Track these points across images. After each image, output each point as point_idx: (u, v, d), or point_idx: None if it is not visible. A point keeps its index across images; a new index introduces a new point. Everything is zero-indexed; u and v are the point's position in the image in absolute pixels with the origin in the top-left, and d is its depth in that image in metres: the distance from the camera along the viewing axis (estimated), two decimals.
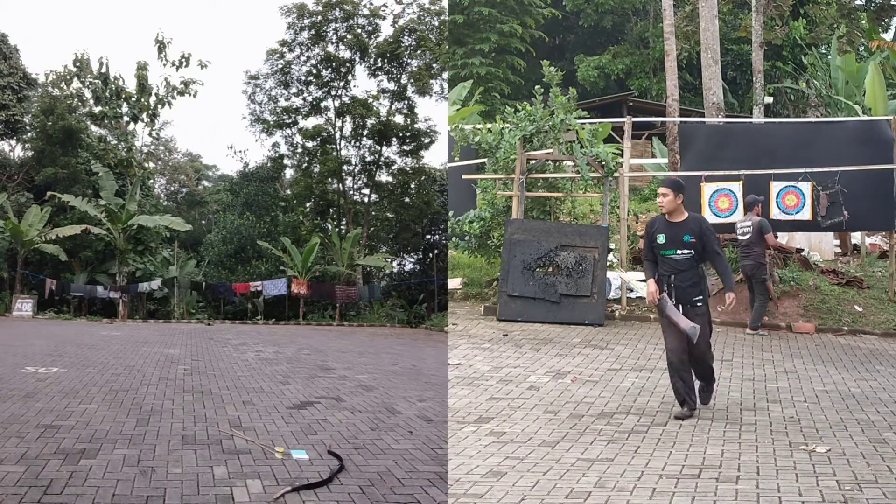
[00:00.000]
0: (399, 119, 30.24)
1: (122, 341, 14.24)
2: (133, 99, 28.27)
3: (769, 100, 23.93)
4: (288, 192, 32.99)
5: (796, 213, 12.04)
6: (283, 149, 31.42)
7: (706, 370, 6.74)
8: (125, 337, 15.48)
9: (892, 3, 29.91)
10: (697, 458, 5.31)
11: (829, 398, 7.27)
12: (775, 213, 12.06)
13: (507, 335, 10.17)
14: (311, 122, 30.84)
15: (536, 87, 13.43)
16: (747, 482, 4.78)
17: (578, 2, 33.76)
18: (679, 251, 6.50)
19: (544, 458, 5.30)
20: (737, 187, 12.14)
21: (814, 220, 12.10)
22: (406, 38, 28.97)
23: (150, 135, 30.72)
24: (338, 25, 29.24)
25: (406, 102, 30.17)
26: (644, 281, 12.69)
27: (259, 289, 25.35)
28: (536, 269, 11.45)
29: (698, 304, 6.54)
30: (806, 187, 12.01)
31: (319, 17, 28.87)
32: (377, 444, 5.76)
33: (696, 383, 6.72)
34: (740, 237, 11.37)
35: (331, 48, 29.55)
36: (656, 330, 11.19)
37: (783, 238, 13.75)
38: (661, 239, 6.56)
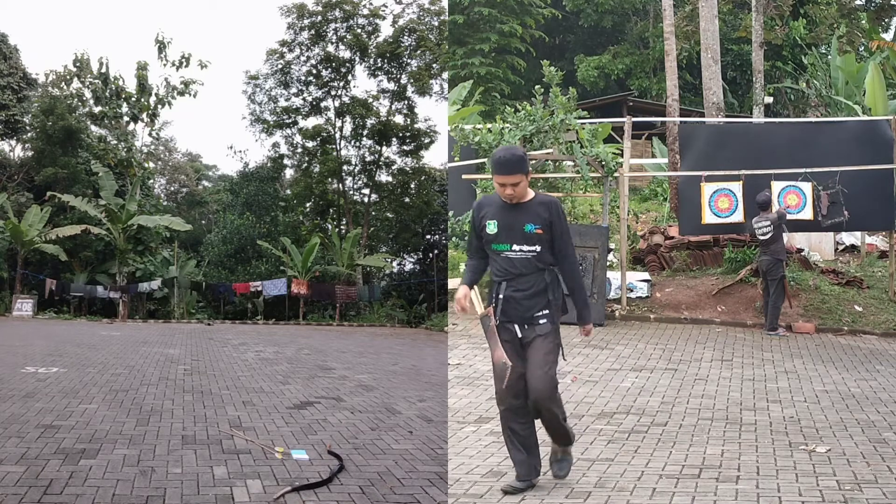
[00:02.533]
0: (399, 119, 30.28)
1: (122, 341, 14.24)
2: (133, 99, 28.28)
3: (769, 100, 23.93)
4: (288, 192, 32.99)
5: (797, 212, 12.04)
6: (283, 149, 31.48)
7: (554, 425, 4.63)
8: (125, 337, 15.48)
9: (893, 3, 29.90)
10: (697, 458, 5.31)
11: (829, 398, 7.27)
12: None
13: None
14: (311, 122, 30.90)
15: (536, 87, 13.43)
16: (747, 482, 4.78)
17: (578, 2, 33.76)
18: (516, 246, 4.48)
19: (544, 458, 5.29)
20: (737, 187, 12.14)
21: (815, 220, 12.11)
22: (406, 38, 28.99)
23: (150, 135, 30.76)
24: (338, 25, 29.25)
25: (406, 102, 30.19)
26: (645, 281, 12.82)
27: (259, 289, 25.35)
28: None
29: (541, 321, 4.49)
30: (807, 187, 12.01)
31: (319, 18, 28.88)
32: (377, 444, 5.76)
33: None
34: (760, 237, 11.38)
35: (331, 48, 29.57)
36: (656, 329, 11.22)
37: (785, 238, 13.78)
38: (491, 227, 4.51)
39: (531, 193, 4.55)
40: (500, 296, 4.52)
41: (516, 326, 4.53)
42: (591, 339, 10.22)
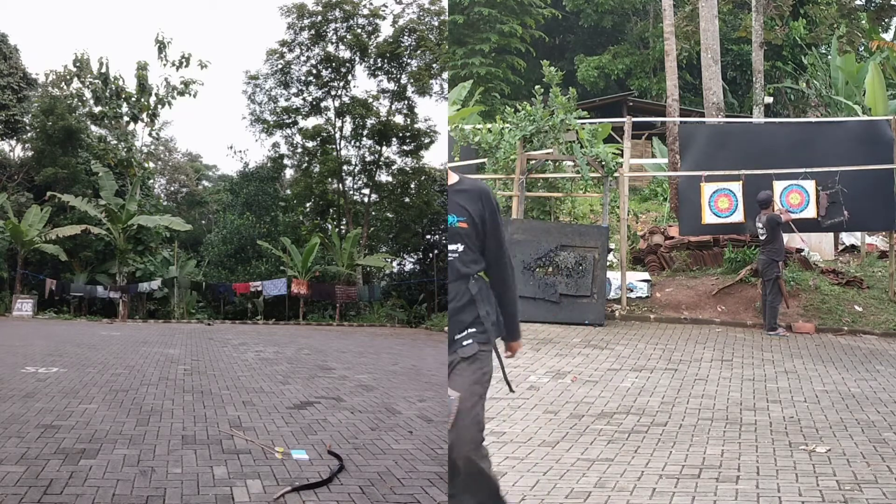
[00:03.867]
0: (399, 119, 30.25)
1: (122, 341, 14.24)
2: (133, 99, 28.27)
3: (769, 100, 23.93)
4: (288, 192, 32.98)
5: (800, 211, 12.05)
6: (283, 149, 31.44)
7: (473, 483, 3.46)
8: (125, 337, 15.48)
9: (893, 3, 29.90)
10: (697, 458, 5.31)
11: (829, 398, 7.28)
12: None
13: None
14: (311, 122, 30.86)
15: (536, 87, 13.44)
16: (747, 482, 4.79)
17: (578, 2, 33.75)
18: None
19: (544, 458, 5.30)
20: (737, 187, 12.14)
21: (818, 218, 12.11)
22: (406, 38, 28.97)
23: (150, 135, 30.72)
24: (338, 25, 29.24)
25: (406, 102, 30.17)
26: (645, 281, 12.80)
27: (259, 289, 25.34)
28: (536, 269, 11.45)
29: (465, 342, 3.42)
30: (809, 185, 12.02)
31: (319, 17, 28.86)
32: (377, 444, 5.76)
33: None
34: (760, 237, 11.40)
35: (331, 48, 29.56)
36: (656, 329, 11.22)
37: (785, 238, 13.80)
38: None
39: (454, 177, 3.53)
40: None
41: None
42: (592, 339, 10.23)
